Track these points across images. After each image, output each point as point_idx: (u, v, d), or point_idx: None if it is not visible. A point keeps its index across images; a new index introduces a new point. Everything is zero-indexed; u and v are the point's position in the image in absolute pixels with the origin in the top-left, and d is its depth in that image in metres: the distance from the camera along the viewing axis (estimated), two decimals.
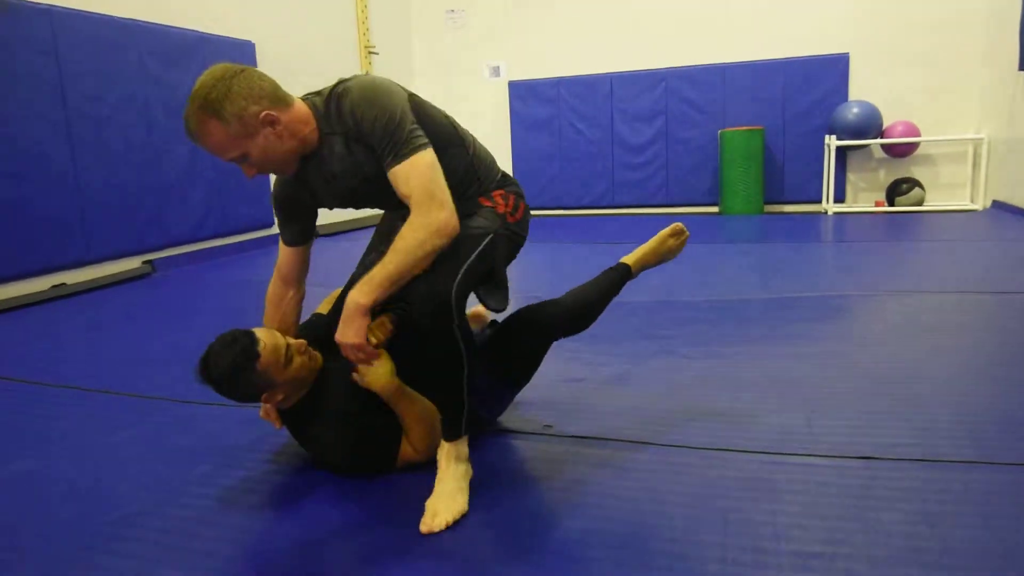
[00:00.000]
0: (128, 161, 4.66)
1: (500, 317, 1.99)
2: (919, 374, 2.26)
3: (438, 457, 1.59)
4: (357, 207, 1.71)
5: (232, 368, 1.53)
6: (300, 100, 1.54)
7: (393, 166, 1.46)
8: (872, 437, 1.80)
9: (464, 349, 1.53)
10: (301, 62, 6.42)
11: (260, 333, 1.59)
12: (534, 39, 7.83)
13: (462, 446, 1.60)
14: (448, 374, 1.55)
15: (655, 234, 2.13)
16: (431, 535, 1.45)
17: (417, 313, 1.48)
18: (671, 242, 2.05)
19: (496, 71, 8.05)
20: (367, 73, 1.60)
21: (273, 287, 1.80)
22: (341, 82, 1.53)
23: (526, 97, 7.87)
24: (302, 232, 1.74)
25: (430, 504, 1.51)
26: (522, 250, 1.80)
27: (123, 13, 4.63)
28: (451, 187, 1.54)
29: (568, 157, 7.82)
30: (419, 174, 1.45)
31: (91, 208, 4.38)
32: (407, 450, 1.68)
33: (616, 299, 2.12)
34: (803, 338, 2.72)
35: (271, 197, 1.73)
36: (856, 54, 6.83)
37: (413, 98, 1.55)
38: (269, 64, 5.92)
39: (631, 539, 1.41)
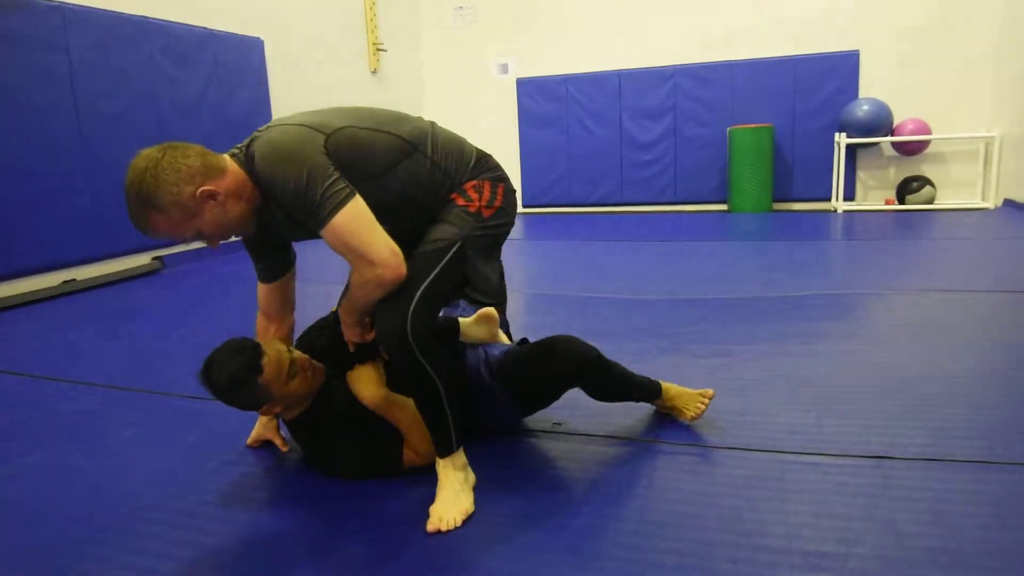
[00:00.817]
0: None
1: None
2: (931, 374, 2.25)
3: (436, 469, 1.58)
4: None
5: (233, 378, 1.54)
6: (230, 159, 1.47)
7: (317, 230, 1.42)
8: (884, 436, 1.79)
9: (434, 372, 1.51)
10: (309, 59, 6.43)
11: (267, 346, 1.60)
12: (542, 36, 7.81)
13: (458, 457, 1.59)
14: (426, 397, 1.54)
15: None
16: (438, 534, 1.45)
17: (382, 346, 1.50)
18: (697, 399, 1.92)
19: (504, 68, 8.04)
20: (279, 124, 1.49)
21: (257, 322, 1.80)
22: (254, 139, 1.47)
23: (534, 94, 7.85)
24: (272, 269, 1.70)
25: (434, 509, 1.50)
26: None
27: (133, 10, 4.64)
28: (418, 197, 1.54)
29: (576, 154, 7.80)
30: (341, 237, 1.40)
31: (101, 204, 4.40)
32: (409, 454, 1.68)
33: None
34: (813, 336, 2.70)
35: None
36: (866, 51, 6.78)
37: (337, 135, 1.45)
38: (278, 61, 5.93)
39: (641, 538, 1.40)
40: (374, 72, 7.43)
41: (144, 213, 1.38)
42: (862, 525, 1.40)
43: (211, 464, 1.80)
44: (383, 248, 1.42)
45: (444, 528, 1.46)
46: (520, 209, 8.09)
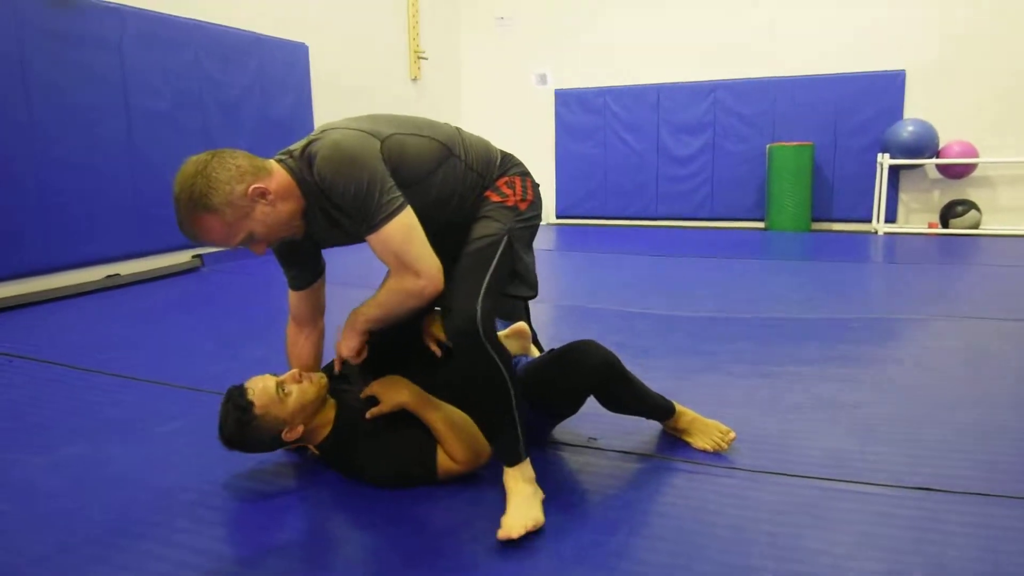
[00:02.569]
0: (183, 156, 4.74)
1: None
2: (979, 404, 2.18)
3: (504, 482, 1.55)
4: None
5: (236, 424, 1.59)
6: (276, 163, 1.51)
7: (367, 235, 1.46)
8: (931, 467, 1.74)
9: (504, 369, 1.51)
10: (352, 65, 6.51)
11: (249, 382, 1.64)
12: (582, 48, 7.81)
13: (526, 468, 1.56)
14: (494, 397, 1.53)
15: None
16: (507, 541, 1.42)
17: (448, 333, 1.50)
18: (716, 434, 1.86)
19: (543, 79, 8.05)
20: (338, 129, 1.51)
21: (288, 329, 1.81)
22: (311, 141, 1.49)
23: (572, 105, 7.85)
24: (304, 276, 1.72)
25: (505, 519, 1.47)
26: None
27: (184, 13, 4.75)
28: (454, 199, 1.59)
29: (612, 167, 7.77)
30: (391, 245, 1.44)
31: (145, 202, 4.49)
32: (445, 461, 1.65)
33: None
34: (855, 361, 2.64)
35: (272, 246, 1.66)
36: (913, 71, 6.66)
37: (389, 141, 1.49)
38: (322, 66, 6.02)
39: (679, 559, 1.37)
40: (414, 80, 7.49)
41: (196, 216, 1.40)
42: (910, 559, 1.35)
43: (250, 463, 1.81)
44: (430, 262, 1.47)
45: (515, 535, 1.42)
46: (553, 220, 8.08)
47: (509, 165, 1.71)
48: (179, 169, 1.43)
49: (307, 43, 5.86)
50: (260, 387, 1.62)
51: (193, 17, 4.81)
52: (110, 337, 3.17)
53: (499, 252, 1.56)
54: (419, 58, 7.48)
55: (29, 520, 1.56)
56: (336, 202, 1.46)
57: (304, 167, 1.48)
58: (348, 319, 1.59)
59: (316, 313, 1.79)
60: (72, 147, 4.04)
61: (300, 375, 1.68)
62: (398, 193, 1.45)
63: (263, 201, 1.43)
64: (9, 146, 3.72)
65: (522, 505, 1.49)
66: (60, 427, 2.11)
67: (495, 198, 1.64)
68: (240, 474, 1.76)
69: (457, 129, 1.69)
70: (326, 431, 1.70)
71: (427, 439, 1.66)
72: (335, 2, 6.29)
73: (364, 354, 1.62)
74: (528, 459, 1.57)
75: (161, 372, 2.58)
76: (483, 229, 1.59)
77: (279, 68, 5.56)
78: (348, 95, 6.34)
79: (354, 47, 6.56)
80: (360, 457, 1.67)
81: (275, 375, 1.67)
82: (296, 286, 1.73)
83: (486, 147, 1.71)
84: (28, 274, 3.85)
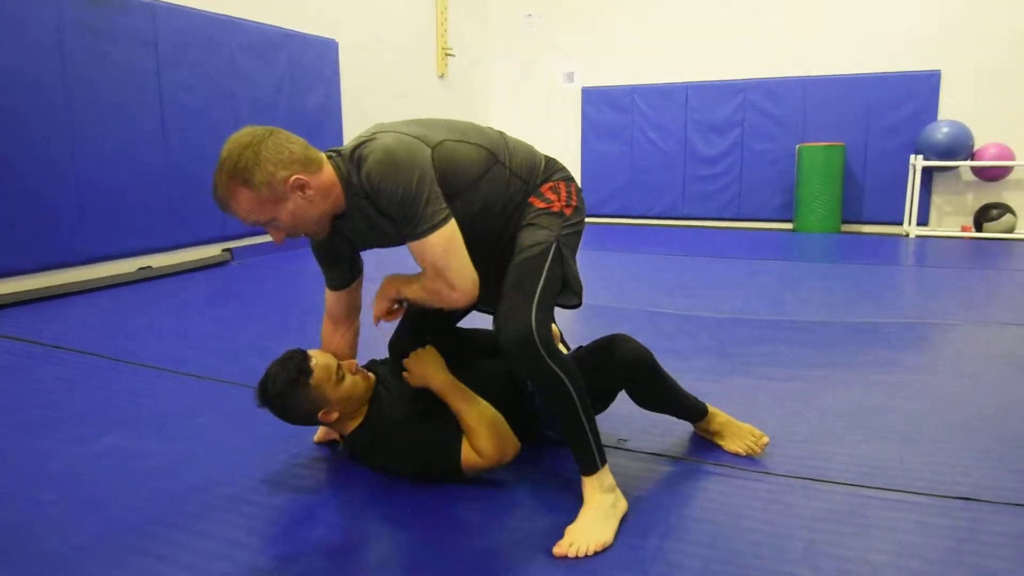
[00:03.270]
0: (215, 151, 4.80)
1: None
2: (1017, 412, 2.13)
3: (583, 490, 1.52)
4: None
5: (288, 384, 1.60)
6: (327, 160, 1.51)
7: (409, 241, 1.47)
8: (972, 477, 1.70)
9: (565, 376, 1.48)
10: (378, 61, 6.54)
11: (312, 352, 1.67)
12: (610, 46, 7.77)
13: (605, 476, 1.52)
14: (560, 405, 1.51)
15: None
16: (564, 559, 1.38)
17: (503, 345, 1.48)
18: (749, 438, 1.83)
19: (570, 77, 8.03)
20: (390, 134, 1.50)
21: (324, 326, 1.82)
22: (362, 143, 1.49)
23: (599, 103, 7.82)
24: (343, 277, 1.73)
25: (570, 530, 1.44)
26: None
27: (218, 9, 4.80)
28: (498, 205, 1.60)
29: (638, 166, 7.73)
30: (431, 256, 1.46)
31: (177, 195, 4.55)
32: (470, 456, 1.63)
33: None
34: (891, 366, 2.60)
35: (311, 246, 1.71)
36: (948, 72, 6.53)
37: (440, 148, 1.49)
38: (350, 62, 6.05)
39: (714, 564, 1.36)
40: (441, 76, 7.51)
41: (233, 186, 1.41)
42: (954, 571, 1.33)
43: (282, 457, 1.83)
44: (466, 276, 1.48)
45: (572, 554, 1.38)
46: None
47: (553, 170, 1.70)
48: (233, 135, 1.43)
49: (337, 39, 5.90)
50: (323, 362, 1.64)
51: (227, 13, 4.87)
52: (143, 329, 3.22)
53: (549, 260, 1.55)
54: (447, 55, 7.49)
55: (69, 508, 1.59)
56: (382, 206, 1.46)
57: (352, 169, 1.48)
58: (382, 284, 1.62)
59: (352, 312, 1.80)
60: (108, 141, 4.11)
61: (357, 369, 1.71)
62: (444, 204, 1.45)
63: (300, 194, 1.44)
64: (48, 139, 3.79)
65: (593, 523, 1.45)
66: (96, 417, 2.14)
67: (540, 204, 1.63)
68: (274, 470, 1.78)
69: (501, 134, 1.68)
70: (356, 423, 1.71)
71: (453, 432, 1.65)
72: None
73: (396, 315, 1.66)
74: (607, 466, 1.53)
75: (191, 364, 2.61)
76: (531, 237, 1.57)
77: (309, 64, 5.60)
78: (375, 91, 6.38)
79: (383, 43, 6.58)
80: (385, 445, 1.68)
81: (336, 356, 1.71)
82: (333, 286, 1.74)
83: (530, 152, 1.70)
84: (63, 265, 3.92)
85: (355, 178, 1.48)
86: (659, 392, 1.79)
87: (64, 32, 3.83)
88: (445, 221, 1.44)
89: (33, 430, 2.04)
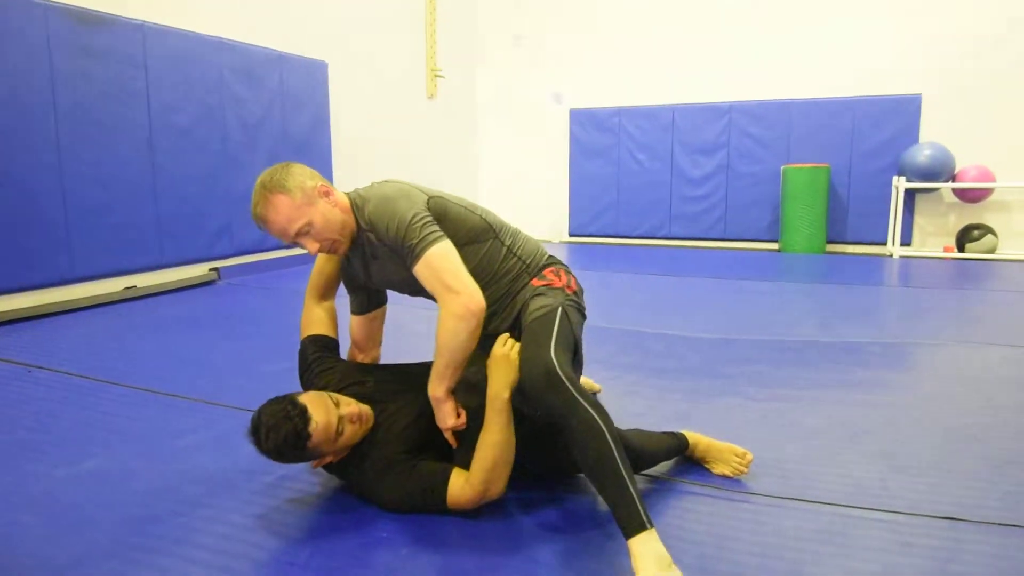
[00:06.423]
0: (202, 170, 4.83)
1: None
2: (999, 433, 2.16)
3: (632, 561, 1.34)
4: (412, 295, 1.81)
5: (285, 445, 1.51)
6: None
7: (412, 266, 1.60)
8: (954, 497, 1.72)
9: (595, 414, 1.44)
10: (370, 82, 6.58)
11: (312, 409, 1.54)
12: (598, 68, 7.87)
13: (654, 542, 1.32)
14: (594, 448, 1.41)
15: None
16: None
17: (528, 387, 1.47)
18: (733, 459, 1.83)
19: (558, 98, 8.11)
20: (390, 180, 1.77)
21: (349, 352, 1.97)
22: (364, 190, 1.72)
23: (586, 124, 7.90)
24: (363, 302, 1.90)
25: None
26: (579, 281, 1.86)
27: (207, 30, 4.83)
28: (493, 272, 1.73)
29: (626, 186, 7.79)
30: (431, 270, 1.57)
31: (164, 214, 4.54)
32: (456, 491, 1.58)
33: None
34: (874, 386, 2.62)
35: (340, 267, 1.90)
36: (929, 95, 6.66)
37: (434, 199, 1.68)
38: (340, 83, 6.08)
39: None
40: (431, 97, 7.56)
41: (271, 195, 1.60)
42: None
43: (268, 479, 1.82)
44: (468, 280, 1.58)
45: None
46: (566, 238, 8.10)
47: (555, 261, 1.87)
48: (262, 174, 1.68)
49: (326, 60, 5.94)
50: (323, 423, 1.54)
51: (217, 35, 4.89)
52: (128, 349, 3.19)
53: (558, 318, 1.63)
54: (436, 76, 7.56)
55: (50, 531, 1.57)
56: (381, 236, 1.62)
57: (357, 207, 1.69)
58: (432, 404, 1.64)
59: (370, 342, 1.96)
60: (95, 160, 4.10)
61: (359, 417, 1.63)
62: (438, 229, 1.60)
63: (326, 199, 1.65)
64: (35, 158, 3.78)
65: None
66: (79, 440, 2.12)
67: (541, 283, 1.77)
68: (260, 491, 1.77)
69: (515, 228, 1.87)
70: (344, 455, 1.69)
71: (441, 469, 1.62)
72: (354, 20, 6.37)
73: (463, 416, 1.65)
74: (653, 528, 1.34)
75: (177, 385, 2.59)
76: (538, 303, 1.69)
77: (299, 85, 5.63)
78: (364, 112, 6.41)
79: (372, 64, 6.63)
80: (371, 483, 1.65)
81: (334, 399, 1.61)
82: (354, 310, 1.92)
83: (536, 245, 1.88)
84: (48, 284, 3.90)
85: (360, 216, 1.68)
86: (637, 461, 1.67)
87: (53, 51, 3.84)
88: (440, 239, 1.59)
89: (15, 451, 2.01)
